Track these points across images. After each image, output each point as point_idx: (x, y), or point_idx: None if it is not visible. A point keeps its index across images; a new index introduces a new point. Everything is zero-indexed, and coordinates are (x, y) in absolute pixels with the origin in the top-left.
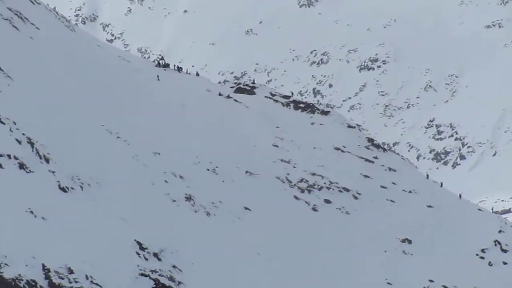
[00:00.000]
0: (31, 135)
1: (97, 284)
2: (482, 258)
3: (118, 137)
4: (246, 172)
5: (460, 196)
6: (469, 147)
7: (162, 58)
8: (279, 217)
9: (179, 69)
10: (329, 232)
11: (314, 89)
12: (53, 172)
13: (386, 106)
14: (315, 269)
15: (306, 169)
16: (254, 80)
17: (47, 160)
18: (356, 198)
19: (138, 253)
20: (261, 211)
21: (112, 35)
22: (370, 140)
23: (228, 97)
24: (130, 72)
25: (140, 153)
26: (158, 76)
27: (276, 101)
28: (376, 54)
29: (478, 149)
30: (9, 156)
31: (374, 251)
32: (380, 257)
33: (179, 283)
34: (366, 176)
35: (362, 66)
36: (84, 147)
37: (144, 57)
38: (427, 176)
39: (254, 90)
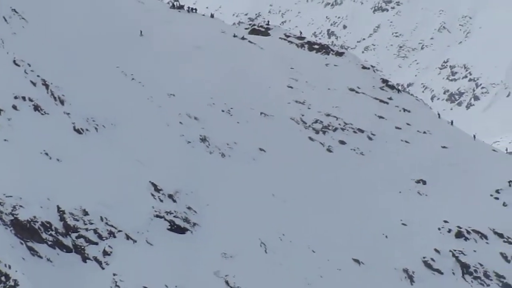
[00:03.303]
0: (46, 77)
1: (112, 226)
2: (497, 198)
3: (132, 79)
4: (261, 113)
5: (474, 137)
6: (483, 88)
7: (177, 0)
8: (294, 158)
9: (194, 10)
10: (344, 173)
11: (328, 30)
12: (68, 114)
13: (400, 47)
14: (330, 210)
15: (320, 110)
16: (268, 22)
17: (62, 102)
18: (370, 139)
19: (153, 195)
20: (276, 152)
21: None
22: (385, 81)
23: (243, 38)
24: (144, 14)
25: (154, 94)
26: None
27: (291, 42)
28: None
29: (492, 90)
30: (23, 98)
31: (389, 192)
32: (395, 198)
33: (194, 224)
34: (380, 117)
35: (376, 7)
36: (99, 89)
37: None
38: (439, 115)
39: (269, 32)
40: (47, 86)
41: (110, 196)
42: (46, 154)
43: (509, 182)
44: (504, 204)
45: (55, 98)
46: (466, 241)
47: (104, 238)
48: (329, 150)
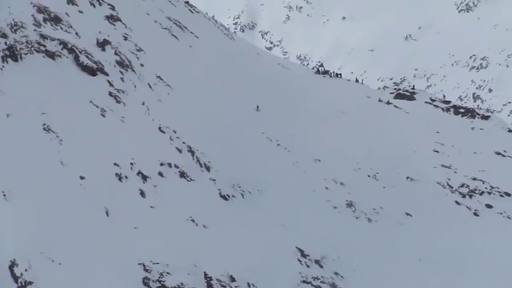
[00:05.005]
0: (191, 144)
1: None
2: None
3: (278, 145)
4: (407, 177)
5: None
6: None
7: (321, 65)
8: (441, 223)
9: (339, 75)
10: (491, 236)
11: (473, 94)
12: (214, 180)
13: None
14: (477, 274)
15: (467, 174)
16: (413, 86)
17: (208, 168)
18: None
19: (299, 260)
20: (423, 216)
21: (271, 42)
22: None
23: (388, 103)
24: (289, 79)
25: (300, 160)
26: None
27: (436, 106)
28: None
29: None
30: (169, 164)
31: None
32: None
33: None
34: None
35: None
36: (244, 155)
37: (303, 64)
38: None
39: (414, 96)
40: (192, 152)
41: (256, 262)
42: (193, 220)
43: None
44: None
45: (200, 164)
46: None
47: None
48: (475, 214)
